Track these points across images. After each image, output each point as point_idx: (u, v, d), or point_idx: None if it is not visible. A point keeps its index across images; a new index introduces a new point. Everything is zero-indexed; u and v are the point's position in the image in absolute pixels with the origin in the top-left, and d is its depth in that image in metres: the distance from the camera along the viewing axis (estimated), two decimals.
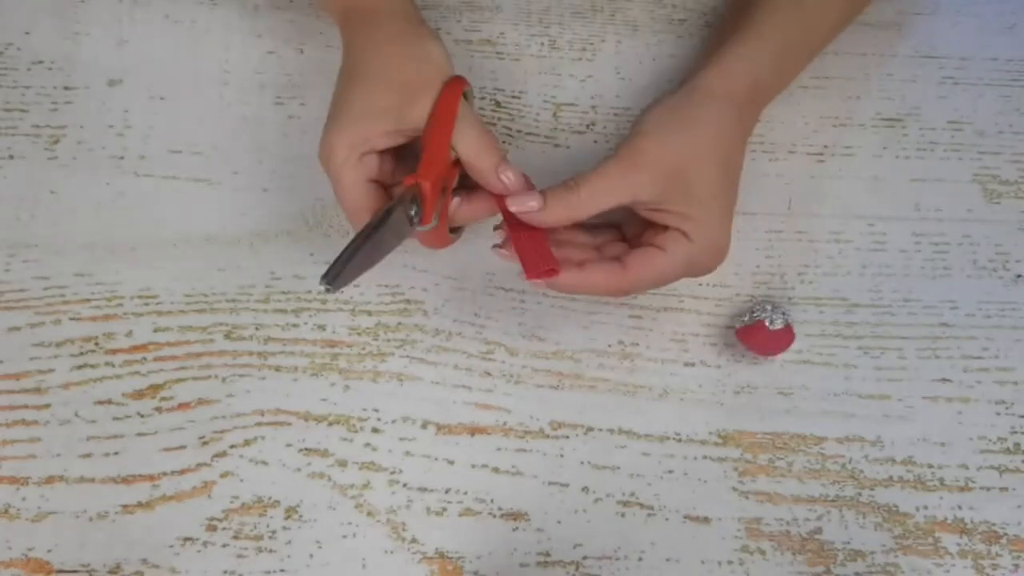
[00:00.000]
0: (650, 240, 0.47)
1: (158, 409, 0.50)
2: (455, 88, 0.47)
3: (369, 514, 0.48)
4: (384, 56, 0.48)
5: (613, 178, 0.46)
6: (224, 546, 0.47)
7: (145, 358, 0.51)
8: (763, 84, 0.51)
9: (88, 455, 0.49)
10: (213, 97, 0.57)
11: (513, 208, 0.46)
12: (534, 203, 0.46)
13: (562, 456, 0.50)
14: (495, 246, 0.48)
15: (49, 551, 0.47)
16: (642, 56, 0.60)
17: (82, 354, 0.51)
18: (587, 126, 0.57)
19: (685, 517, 0.49)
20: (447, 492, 0.49)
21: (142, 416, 0.49)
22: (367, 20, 0.49)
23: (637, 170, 0.46)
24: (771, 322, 0.51)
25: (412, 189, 0.45)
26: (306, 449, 0.49)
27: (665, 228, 0.47)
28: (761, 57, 0.50)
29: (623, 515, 0.49)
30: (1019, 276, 0.55)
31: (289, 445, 0.49)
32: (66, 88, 0.57)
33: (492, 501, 0.49)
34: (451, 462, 0.49)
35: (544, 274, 0.45)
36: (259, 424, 0.50)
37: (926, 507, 0.50)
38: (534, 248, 0.46)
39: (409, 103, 0.46)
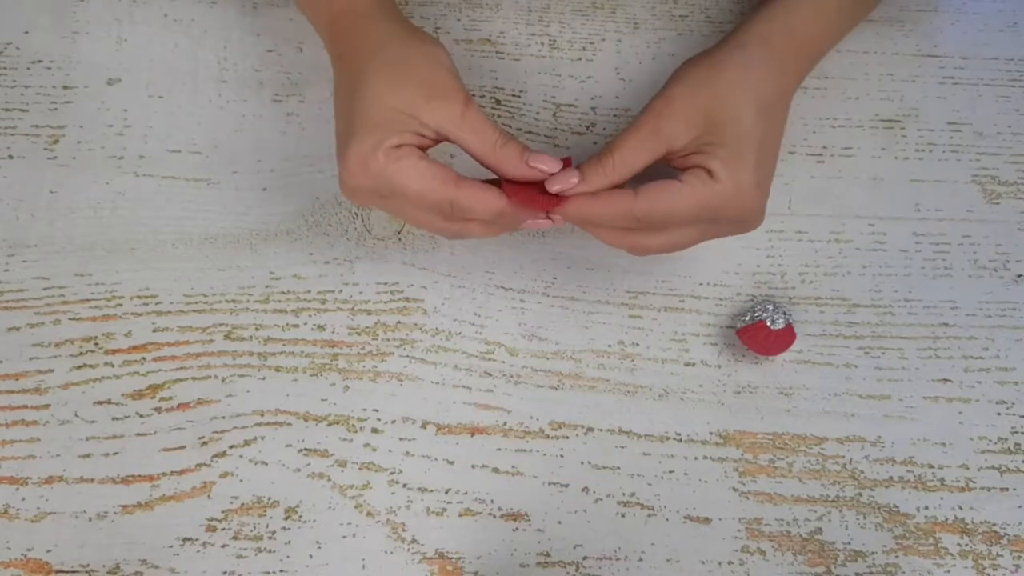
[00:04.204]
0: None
1: (157, 409, 0.50)
2: None
3: (369, 514, 0.48)
4: (387, 59, 0.46)
5: (644, 131, 0.45)
6: (224, 546, 0.47)
7: (144, 358, 0.51)
8: (802, 32, 0.49)
9: (87, 455, 0.49)
10: (212, 96, 0.57)
11: (555, 188, 0.45)
12: (574, 179, 0.45)
13: (562, 456, 0.50)
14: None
15: (48, 551, 0.47)
16: (642, 56, 0.60)
17: (81, 354, 0.50)
18: (587, 127, 0.57)
19: (685, 517, 0.49)
20: (447, 492, 0.49)
21: (141, 416, 0.49)
22: (358, 24, 0.48)
23: (668, 119, 0.45)
24: (772, 322, 0.51)
25: None
26: (306, 449, 0.49)
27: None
28: (799, 5, 0.49)
29: (623, 515, 0.49)
30: (1019, 276, 0.55)
31: (289, 445, 0.49)
32: (65, 88, 0.57)
33: (492, 501, 0.49)
34: (451, 462, 0.49)
35: (551, 203, 0.45)
36: (259, 424, 0.50)
37: (927, 507, 0.50)
38: (531, 191, 0.45)
39: (427, 103, 0.44)
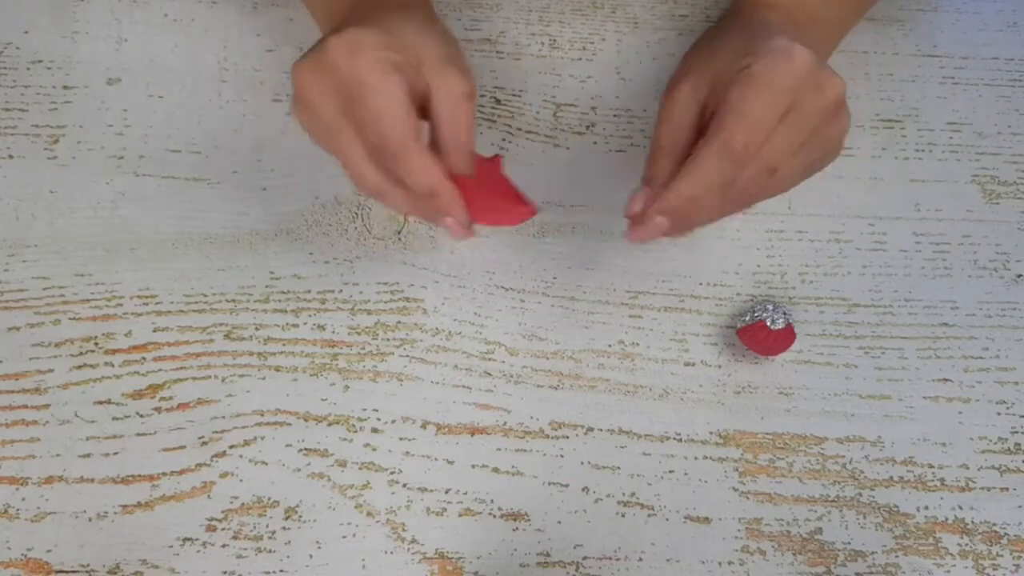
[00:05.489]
0: None
1: (157, 409, 0.50)
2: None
3: (369, 514, 0.48)
4: (418, 15, 0.45)
5: (667, 106, 0.45)
6: (224, 546, 0.47)
7: (144, 358, 0.51)
8: (800, 4, 0.49)
9: (88, 455, 0.49)
10: (212, 96, 0.57)
11: (636, 208, 0.44)
12: (642, 198, 0.44)
13: (562, 456, 0.50)
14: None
15: (48, 551, 0.47)
16: (643, 56, 0.60)
17: (81, 354, 0.50)
18: (587, 127, 0.57)
19: (685, 517, 0.49)
20: (447, 492, 0.49)
21: (141, 416, 0.49)
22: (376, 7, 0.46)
23: (681, 80, 0.45)
24: (772, 322, 0.51)
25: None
26: (306, 449, 0.49)
27: None
28: None
29: (623, 515, 0.49)
30: (1019, 276, 0.55)
31: (289, 445, 0.49)
32: (65, 87, 0.57)
33: (492, 501, 0.49)
34: (451, 462, 0.49)
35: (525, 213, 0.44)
36: (259, 424, 0.50)
37: (927, 507, 0.50)
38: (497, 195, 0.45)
39: (440, 65, 0.42)
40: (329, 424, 0.50)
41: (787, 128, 0.42)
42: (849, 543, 0.49)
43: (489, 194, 0.44)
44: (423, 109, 0.43)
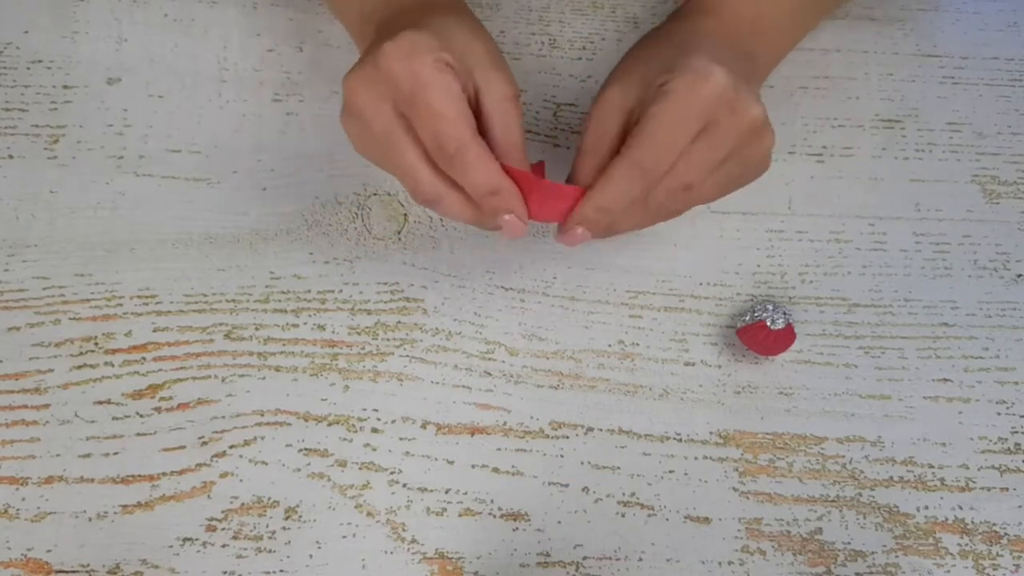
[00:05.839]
0: None
1: (157, 409, 0.50)
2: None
3: (369, 514, 0.48)
4: (466, 21, 0.46)
5: (594, 109, 0.45)
6: (224, 546, 0.47)
7: (144, 358, 0.51)
8: (745, 9, 0.50)
9: (87, 455, 0.49)
10: (212, 95, 0.57)
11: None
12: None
13: (562, 456, 0.50)
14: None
15: (48, 551, 0.47)
16: None
17: (81, 354, 0.50)
18: None
19: (685, 517, 0.49)
20: (447, 492, 0.49)
21: (141, 416, 0.49)
22: (396, 15, 0.47)
23: (607, 86, 0.45)
24: (772, 322, 0.51)
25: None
26: (306, 449, 0.49)
27: None
28: None
29: (623, 515, 0.49)
30: (1019, 276, 0.55)
31: (289, 445, 0.49)
32: (65, 87, 0.57)
33: (492, 501, 0.49)
34: (451, 462, 0.49)
35: (565, 202, 0.44)
36: (259, 424, 0.50)
37: (927, 507, 0.50)
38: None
39: (490, 68, 0.43)
40: (329, 424, 0.50)
41: (702, 147, 0.43)
42: (849, 543, 0.49)
43: (539, 191, 0.44)
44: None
